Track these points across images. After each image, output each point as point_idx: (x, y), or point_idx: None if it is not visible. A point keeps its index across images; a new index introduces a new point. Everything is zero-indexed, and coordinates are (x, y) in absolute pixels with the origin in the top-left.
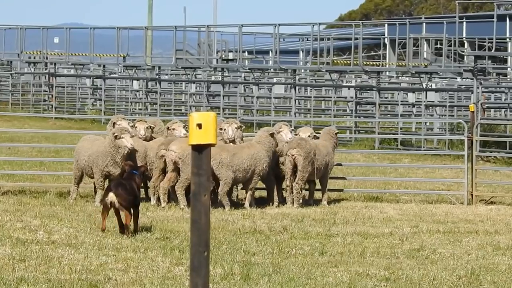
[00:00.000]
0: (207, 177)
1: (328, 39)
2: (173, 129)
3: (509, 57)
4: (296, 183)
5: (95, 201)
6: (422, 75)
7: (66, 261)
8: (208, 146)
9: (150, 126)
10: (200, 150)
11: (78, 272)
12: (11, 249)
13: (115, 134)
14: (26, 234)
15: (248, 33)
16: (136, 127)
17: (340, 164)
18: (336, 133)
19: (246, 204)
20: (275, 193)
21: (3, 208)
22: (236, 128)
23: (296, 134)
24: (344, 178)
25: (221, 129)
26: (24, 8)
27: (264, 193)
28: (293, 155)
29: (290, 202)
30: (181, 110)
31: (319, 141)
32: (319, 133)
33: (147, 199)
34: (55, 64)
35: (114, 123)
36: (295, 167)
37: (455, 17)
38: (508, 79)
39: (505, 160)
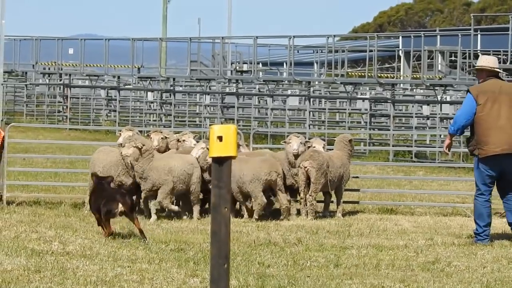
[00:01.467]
0: (228, 190)
1: (343, 51)
2: (183, 140)
3: None
4: (310, 195)
5: None
6: (436, 88)
7: (81, 272)
8: (228, 158)
9: (166, 137)
10: (220, 162)
11: (93, 284)
12: (26, 260)
13: (120, 142)
14: (41, 245)
15: (262, 44)
16: (151, 137)
17: (357, 177)
18: (349, 140)
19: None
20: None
21: (18, 219)
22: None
23: (309, 146)
24: (357, 190)
25: (178, 140)
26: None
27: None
28: (305, 167)
29: (305, 214)
30: (195, 121)
31: (333, 152)
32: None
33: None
34: (69, 75)
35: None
36: (308, 179)
37: (469, 29)
38: None
39: None
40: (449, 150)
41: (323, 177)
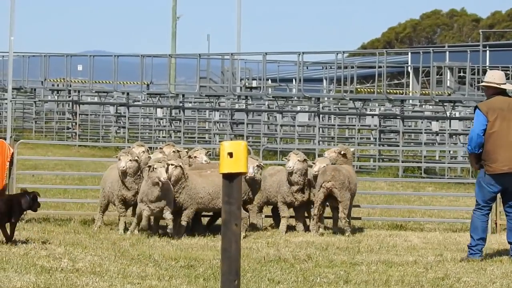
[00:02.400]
0: (238, 206)
1: (352, 67)
2: (195, 156)
3: None
4: (342, 212)
5: (119, 229)
6: (445, 104)
7: None
8: (239, 174)
9: (178, 150)
10: (231, 178)
11: None
12: (35, 277)
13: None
14: (51, 262)
15: (272, 61)
16: (163, 151)
17: (369, 193)
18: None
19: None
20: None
21: (27, 236)
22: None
23: (310, 166)
24: (358, 206)
25: (190, 157)
26: (48, 36)
27: (292, 221)
28: (328, 188)
29: (315, 231)
30: (205, 138)
31: (347, 167)
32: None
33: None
34: (78, 91)
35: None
36: (326, 199)
37: (478, 45)
38: None
39: None
40: (478, 166)
41: (348, 193)
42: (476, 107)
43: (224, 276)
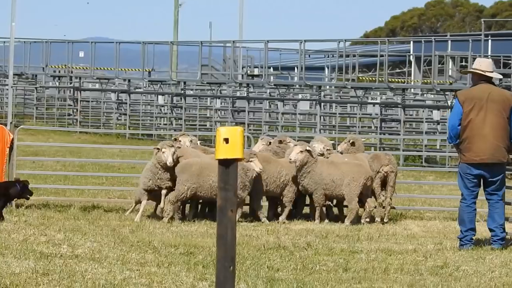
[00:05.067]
0: (234, 192)
1: (354, 55)
2: (179, 141)
3: None
4: (390, 198)
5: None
6: (447, 93)
7: (89, 275)
8: (235, 160)
9: (192, 140)
10: (227, 164)
11: (102, 287)
12: (34, 263)
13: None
14: (50, 248)
15: (273, 49)
16: (180, 140)
17: None
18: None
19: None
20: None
21: (27, 222)
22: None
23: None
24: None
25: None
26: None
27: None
28: (386, 172)
29: (381, 219)
30: (206, 125)
31: (360, 156)
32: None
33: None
34: (80, 78)
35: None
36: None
37: (480, 35)
38: None
39: None
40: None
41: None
42: (455, 96)
43: (220, 262)
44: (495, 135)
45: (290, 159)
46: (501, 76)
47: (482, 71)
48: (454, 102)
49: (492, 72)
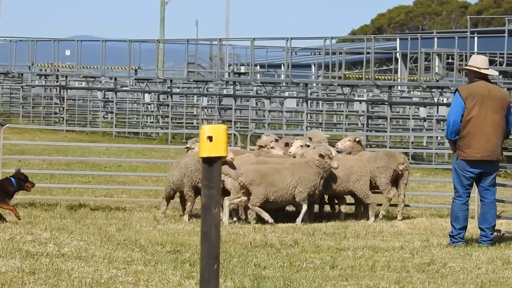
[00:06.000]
0: (218, 190)
1: (340, 53)
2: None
3: None
4: (404, 195)
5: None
6: (433, 90)
7: (76, 274)
8: (218, 158)
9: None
10: (210, 162)
11: (88, 285)
12: (20, 262)
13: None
14: (36, 247)
15: (260, 46)
16: (193, 148)
17: None
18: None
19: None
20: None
21: (13, 221)
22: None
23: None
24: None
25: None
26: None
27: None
28: (401, 170)
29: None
30: (192, 123)
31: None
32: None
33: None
34: (66, 76)
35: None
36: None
37: (466, 32)
38: None
39: None
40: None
41: None
42: (456, 90)
43: (204, 260)
44: (495, 132)
45: (290, 152)
46: (497, 73)
47: (478, 68)
48: (455, 97)
49: (487, 69)
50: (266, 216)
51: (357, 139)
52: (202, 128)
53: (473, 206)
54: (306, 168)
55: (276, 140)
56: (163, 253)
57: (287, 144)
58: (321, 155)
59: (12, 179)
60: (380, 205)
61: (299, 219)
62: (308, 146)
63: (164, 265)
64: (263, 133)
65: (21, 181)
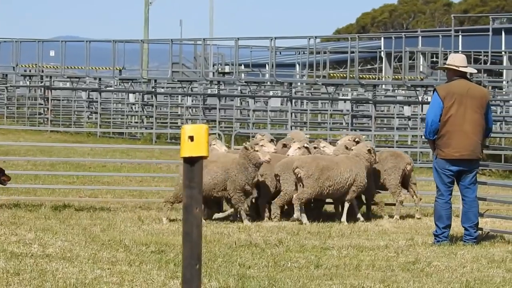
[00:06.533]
0: (199, 190)
1: (325, 52)
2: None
3: (504, 71)
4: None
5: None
6: (418, 88)
7: (60, 274)
8: (200, 158)
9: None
10: (192, 162)
11: (73, 286)
12: (5, 263)
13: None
14: (21, 247)
15: (244, 46)
16: (214, 144)
17: None
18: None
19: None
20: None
21: None
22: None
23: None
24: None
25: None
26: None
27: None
28: (409, 171)
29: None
30: (177, 123)
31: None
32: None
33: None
34: (50, 77)
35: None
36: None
37: (450, 30)
38: (504, 93)
39: (500, 173)
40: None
41: None
42: (434, 89)
43: (186, 260)
44: (474, 131)
45: (288, 155)
46: (475, 71)
47: (456, 66)
48: (433, 96)
49: (466, 67)
50: (304, 217)
51: (356, 139)
52: (183, 128)
53: (458, 205)
54: (361, 163)
55: (272, 141)
56: (148, 253)
57: (284, 145)
58: (369, 150)
59: None
60: (391, 204)
61: (344, 217)
62: (307, 148)
63: (149, 265)
64: (248, 133)
65: None
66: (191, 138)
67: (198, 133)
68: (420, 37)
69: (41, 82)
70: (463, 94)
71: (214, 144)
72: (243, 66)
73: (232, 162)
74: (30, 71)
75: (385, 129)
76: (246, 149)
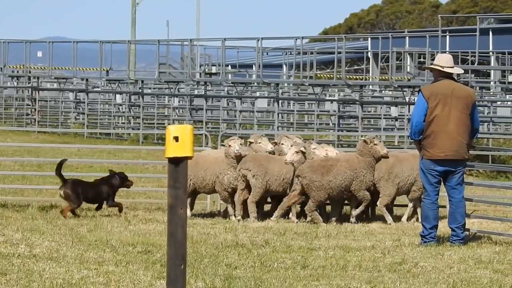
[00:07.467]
0: (184, 190)
1: (311, 53)
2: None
3: (491, 71)
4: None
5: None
6: (405, 89)
7: (47, 274)
8: (185, 158)
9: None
10: (176, 163)
11: (59, 286)
12: None
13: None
14: (8, 248)
15: (231, 47)
16: (230, 145)
17: None
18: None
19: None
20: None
21: None
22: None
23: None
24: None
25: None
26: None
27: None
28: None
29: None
30: (164, 123)
31: None
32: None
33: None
34: (38, 78)
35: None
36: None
37: (438, 31)
38: (491, 93)
39: (488, 174)
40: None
41: None
42: (419, 90)
43: (171, 260)
44: (459, 131)
45: (286, 160)
46: (462, 71)
47: (442, 66)
48: (418, 97)
49: (452, 67)
50: (318, 218)
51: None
52: (168, 128)
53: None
54: (361, 163)
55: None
56: (134, 253)
57: (275, 144)
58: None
59: None
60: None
61: (354, 214)
62: (304, 152)
63: (135, 265)
64: (234, 134)
65: None
66: (176, 138)
67: (183, 133)
68: (407, 38)
69: (29, 83)
70: (447, 95)
71: (259, 142)
72: (230, 67)
73: (358, 161)
74: (17, 72)
75: (372, 129)
76: (365, 143)
